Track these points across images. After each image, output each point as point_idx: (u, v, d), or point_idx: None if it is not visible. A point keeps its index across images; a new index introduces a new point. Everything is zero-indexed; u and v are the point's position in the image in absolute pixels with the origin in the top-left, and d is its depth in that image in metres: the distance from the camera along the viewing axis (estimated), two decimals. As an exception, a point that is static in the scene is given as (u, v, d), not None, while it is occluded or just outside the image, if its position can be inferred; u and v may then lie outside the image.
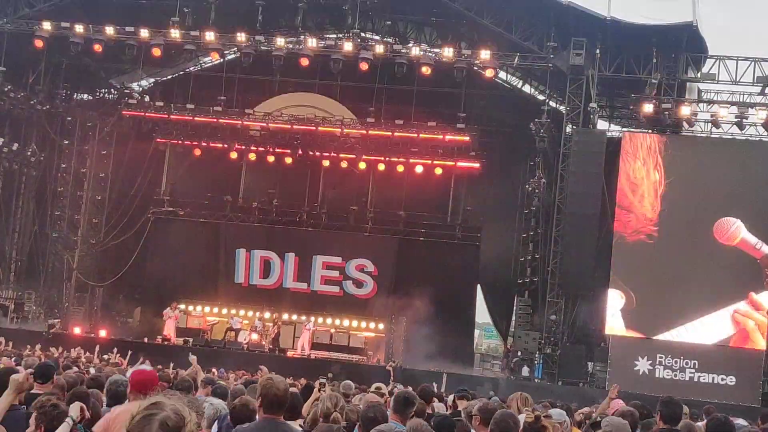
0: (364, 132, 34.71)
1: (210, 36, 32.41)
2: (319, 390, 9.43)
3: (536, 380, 29.88)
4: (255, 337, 32.37)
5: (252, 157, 36.20)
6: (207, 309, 34.93)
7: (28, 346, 21.34)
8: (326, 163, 35.92)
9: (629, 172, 30.09)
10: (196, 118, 35.29)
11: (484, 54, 31.65)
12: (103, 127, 36.86)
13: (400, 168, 35.20)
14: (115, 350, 20.21)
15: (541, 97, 34.97)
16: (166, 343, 31.02)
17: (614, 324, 29.59)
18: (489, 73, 32.33)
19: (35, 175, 37.05)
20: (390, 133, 34.45)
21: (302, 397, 8.83)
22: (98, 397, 7.95)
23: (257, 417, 6.50)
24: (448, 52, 32.14)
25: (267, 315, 34.04)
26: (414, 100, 34.32)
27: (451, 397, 12.39)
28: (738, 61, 30.39)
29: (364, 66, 32.02)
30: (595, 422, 10.04)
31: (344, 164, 35.68)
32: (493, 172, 35.24)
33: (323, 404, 7.62)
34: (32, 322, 33.91)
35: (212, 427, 7.81)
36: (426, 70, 31.97)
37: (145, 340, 31.93)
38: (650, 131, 31.44)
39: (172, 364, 18.56)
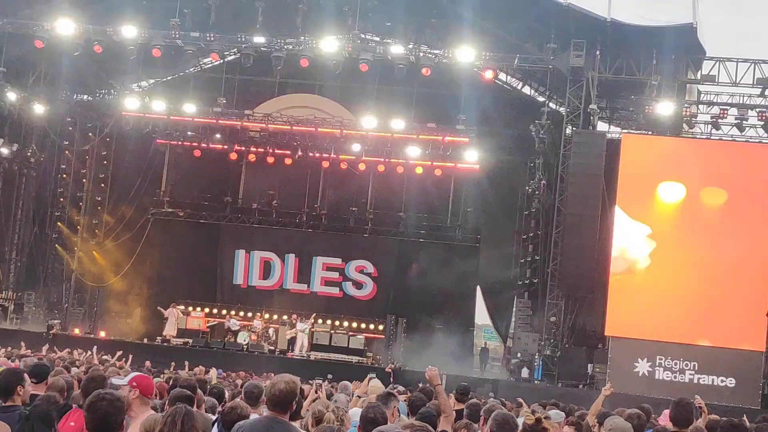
0: (364, 133, 34.72)
1: (210, 37, 32.41)
2: (316, 391, 9.43)
3: (536, 382, 29.85)
4: (254, 337, 32.35)
5: (252, 158, 36.22)
6: (207, 310, 34.91)
7: (22, 343, 21.39)
8: (326, 164, 35.94)
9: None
10: (195, 119, 35.30)
11: (484, 55, 31.65)
12: (103, 127, 36.88)
13: (400, 169, 35.22)
14: (95, 348, 20.25)
15: (541, 99, 34.96)
16: (165, 344, 31.02)
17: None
18: (489, 74, 32.33)
19: (35, 175, 37.05)
20: (390, 135, 34.47)
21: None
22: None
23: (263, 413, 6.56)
24: (448, 54, 32.13)
25: (267, 316, 34.06)
26: (414, 101, 34.32)
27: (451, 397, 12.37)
28: (738, 62, 30.37)
29: (364, 67, 32.01)
30: (581, 415, 10.03)
31: (344, 165, 35.69)
32: (493, 174, 35.24)
33: (315, 408, 7.64)
34: (32, 322, 33.90)
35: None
36: (426, 71, 31.95)
37: (145, 340, 31.96)
38: (650, 133, 31.45)
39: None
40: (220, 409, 9.02)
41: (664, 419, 9.32)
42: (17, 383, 6.95)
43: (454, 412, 8.17)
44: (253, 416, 7.09)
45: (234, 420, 7.00)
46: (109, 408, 5.10)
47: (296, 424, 7.36)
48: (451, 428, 7.81)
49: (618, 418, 7.44)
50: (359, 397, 9.11)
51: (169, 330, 31.93)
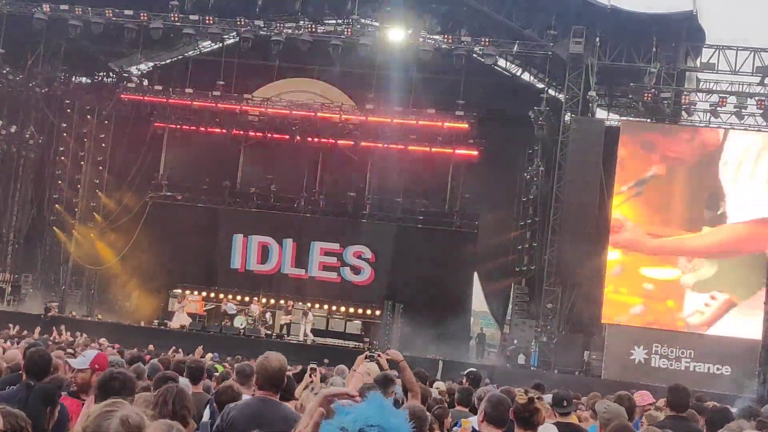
0: (363, 118, 34.67)
1: (209, 20, 32.34)
2: (310, 375, 9.43)
3: (532, 368, 29.90)
4: (251, 321, 32.39)
5: (250, 142, 36.16)
6: (204, 294, 34.89)
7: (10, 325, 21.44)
8: (324, 149, 35.89)
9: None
10: (194, 103, 35.24)
11: (484, 41, 31.59)
12: (102, 110, 36.81)
13: (399, 155, 35.15)
14: (63, 327, 20.30)
15: (540, 85, 34.91)
16: (162, 327, 31.00)
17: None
18: (488, 60, 32.27)
19: (33, 157, 37.01)
20: (389, 120, 34.42)
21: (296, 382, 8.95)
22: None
23: (253, 394, 6.55)
24: (447, 39, 32.06)
25: (264, 300, 34.09)
26: (413, 87, 34.26)
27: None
28: (737, 50, 30.35)
29: (363, 52, 31.95)
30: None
31: (342, 150, 35.64)
32: (492, 160, 35.17)
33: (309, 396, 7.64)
34: (29, 304, 33.91)
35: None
36: (425, 56, 31.89)
37: (142, 323, 31.99)
38: (649, 120, 31.44)
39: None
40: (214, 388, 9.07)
41: (639, 398, 9.37)
42: (50, 366, 6.87)
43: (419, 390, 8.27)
44: (245, 397, 7.10)
45: (227, 400, 7.02)
46: (121, 387, 5.10)
47: (289, 405, 7.38)
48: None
49: (610, 402, 7.47)
50: (356, 370, 9.11)
51: (181, 320, 31.65)
